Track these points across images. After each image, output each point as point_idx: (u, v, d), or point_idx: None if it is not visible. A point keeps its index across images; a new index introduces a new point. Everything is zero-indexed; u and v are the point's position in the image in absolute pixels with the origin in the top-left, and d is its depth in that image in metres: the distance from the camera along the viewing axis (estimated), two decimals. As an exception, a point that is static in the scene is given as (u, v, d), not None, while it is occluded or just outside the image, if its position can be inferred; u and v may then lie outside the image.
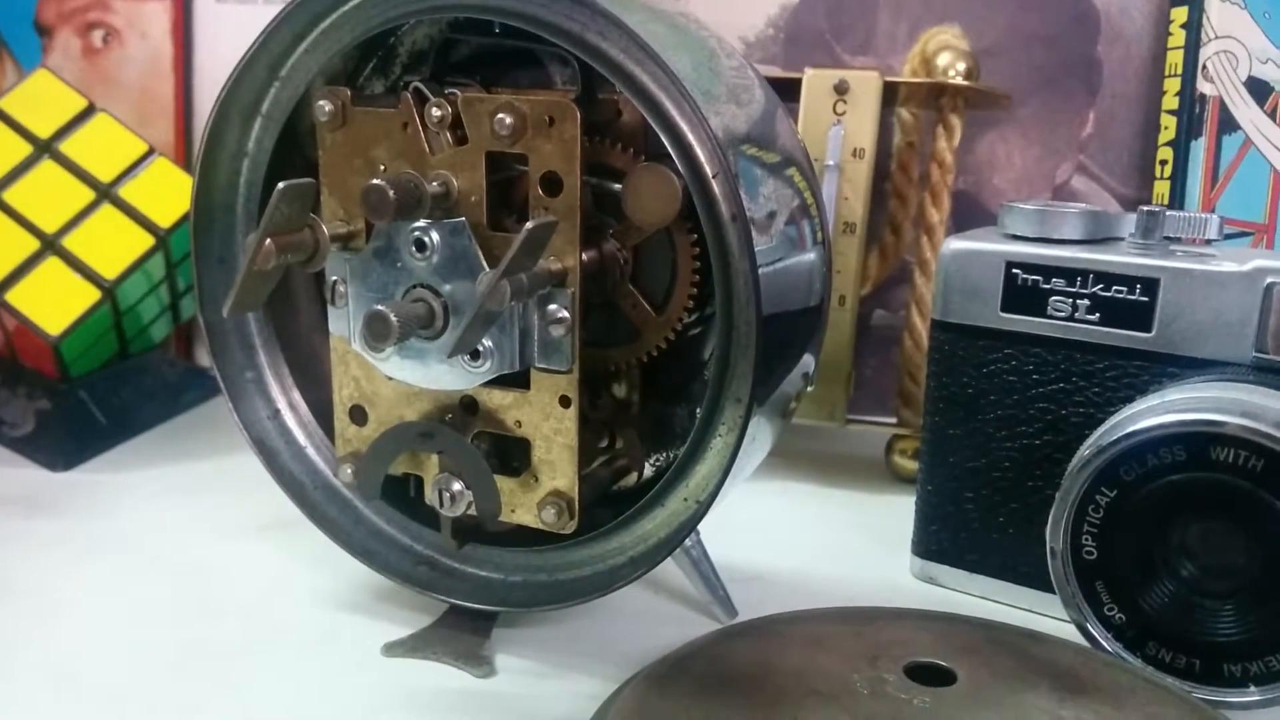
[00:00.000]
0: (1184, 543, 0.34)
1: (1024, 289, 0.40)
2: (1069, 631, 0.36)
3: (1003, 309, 0.40)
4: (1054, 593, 0.37)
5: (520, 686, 0.37)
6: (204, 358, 0.69)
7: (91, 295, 0.53)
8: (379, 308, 0.33)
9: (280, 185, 0.34)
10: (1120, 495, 0.34)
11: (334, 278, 0.37)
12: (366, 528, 0.42)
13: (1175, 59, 0.57)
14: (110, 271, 0.54)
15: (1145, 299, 0.38)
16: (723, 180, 0.32)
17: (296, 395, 0.42)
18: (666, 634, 0.38)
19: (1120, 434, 0.34)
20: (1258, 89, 0.57)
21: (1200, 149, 0.57)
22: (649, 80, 0.33)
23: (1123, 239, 0.40)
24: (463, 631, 0.39)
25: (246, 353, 0.42)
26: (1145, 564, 0.35)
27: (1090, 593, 0.35)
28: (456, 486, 0.36)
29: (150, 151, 0.56)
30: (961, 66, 0.53)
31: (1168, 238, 0.39)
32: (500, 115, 0.33)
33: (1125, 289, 0.38)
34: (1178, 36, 0.57)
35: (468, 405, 0.37)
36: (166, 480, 0.53)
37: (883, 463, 0.55)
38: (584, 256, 0.34)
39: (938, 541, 0.44)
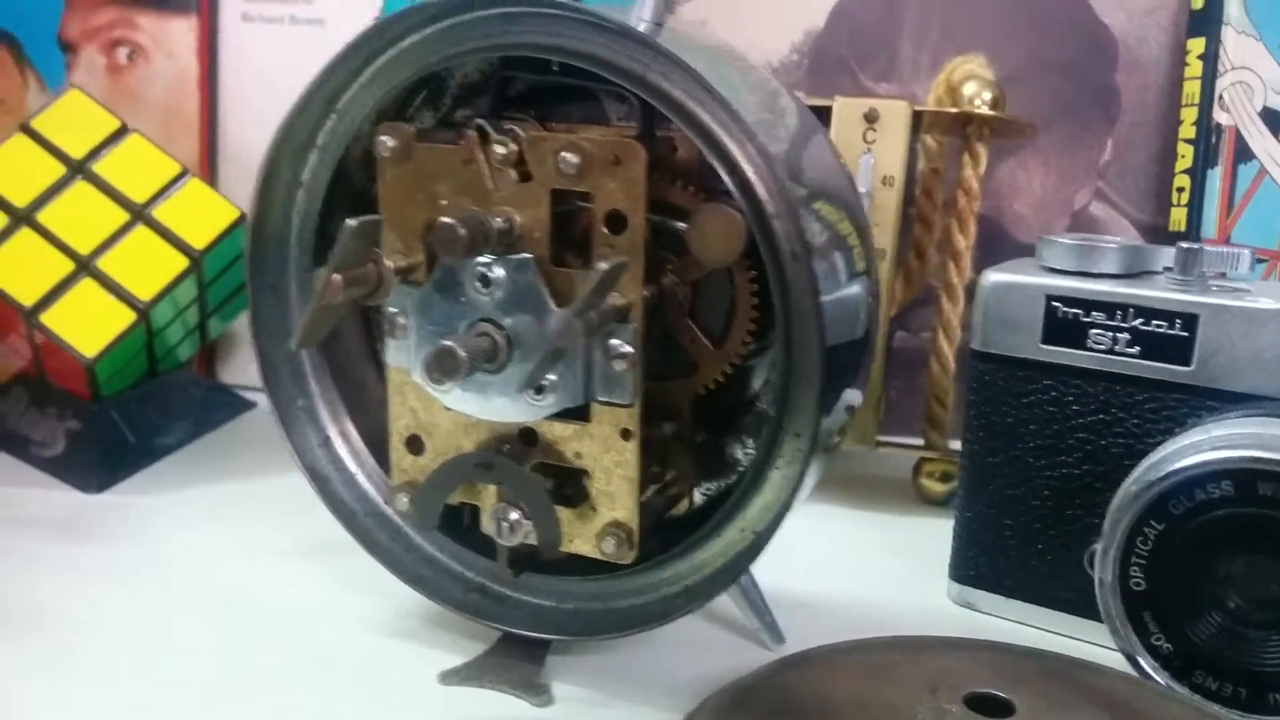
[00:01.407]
0: (1230, 574, 0.35)
1: (1064, 322, 0.41)
2: (1112, 658, 0.37)
3: (1043, 341, 0.41)
4: (1092, 618, 0.39)
5: (579, 715, 0.37)
6: (227, 375, 0.69)
7: (126, 317, 0.54)
8: (448, 343, 0.34)
9: (348, 223, 0.34)
10: (1169, 529, 0.35)
11: (393, 310, 0.38)
12: (418, 555, 0.42)
13: (1192, 89, 0.59)
14: (145, 293, 0.54)
15: (1185, 334, 0.39)
16: (786, 220, 0.33)
17: (348, 423, 0.43)
18: (718, 662, 0.39)
19: (1169, 469, 0.35)
20: (1272, 119, 0.58)
21: (1217, 177, 0.58)
22: (710, 120, 0.34)
23: (1158, 273, 0.41)
24: (517, 659, 0.39)
25: (297, 381, 0.43)
26: (1192, 595, 0.35)
27: (1138, 622, 0.36)
28: (514, 516, 0.37)
29: (183, 173, 0.57)
30: (988, 96, 0.54)
31: (1204, 274, 0.40)
32: (566, 154, 0.34)
33: (1165, 324, 0.39)
34: (1195, 67, 0.58)
35: (526, 436, 0.37)
36: (201, 503, 0.53)
37: (909, 485, 0.56)
38: (645, 292, 0.35)
39: (976, 567, 0.44)
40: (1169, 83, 0.60)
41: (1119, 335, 0.40)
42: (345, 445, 0.43)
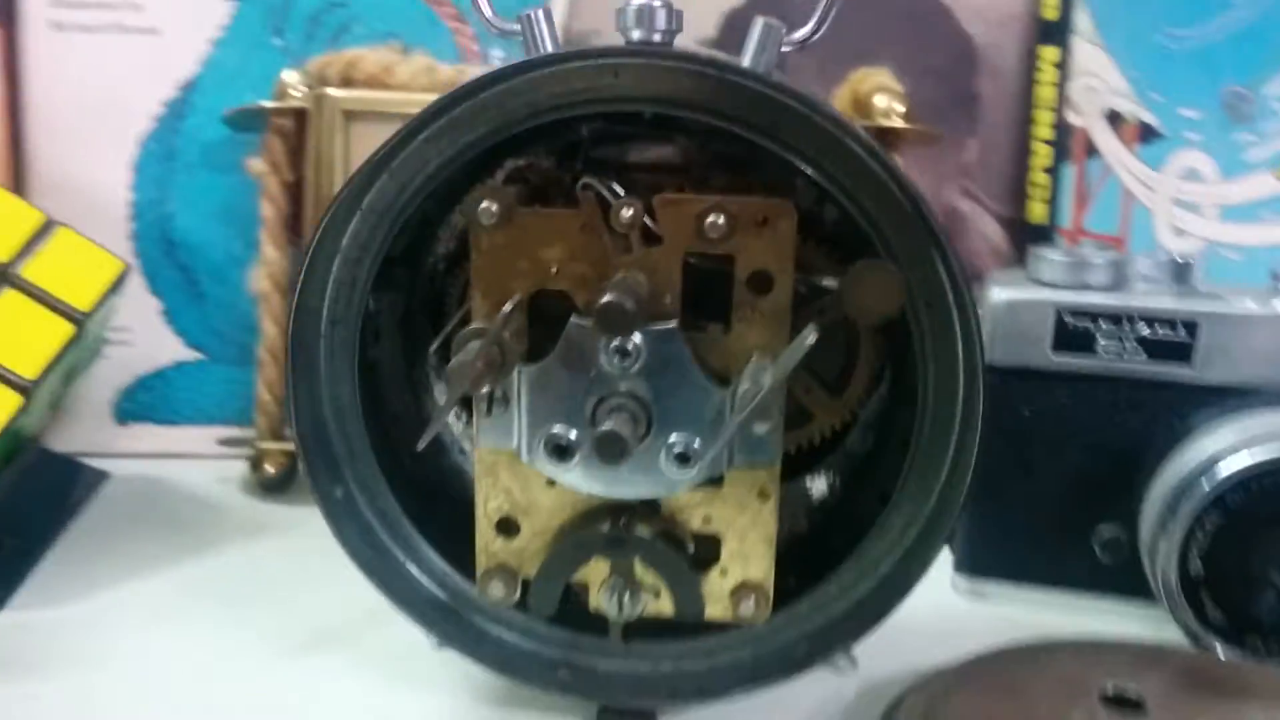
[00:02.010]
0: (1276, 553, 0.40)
1: (1073, 333, 0.44)
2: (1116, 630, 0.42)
3: (1053, 351, 0.44)
4: (1099, 595, 0.44)
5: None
6: (59, 443, 0.60)
7: (12, 402, 0.45)
8: (613, 428, 0.32)
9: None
10: (1226, 521, 0.39)
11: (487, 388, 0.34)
12: (490, 639, 0.39)
13: (1047, 93, 0.64)
14: (30, 371, 0.46)
15: (1187, 338, 0.43)
16: (957, 265, 0.33)
17: (390, 504, 0.39)
18: (814, 693, 0.39)
19: (1229, 470, 0.39)
20: (1114, 120, 0.65)
21: (1070, 173, 0.64)
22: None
23: (1148, 281, 0.45)
24: (631, 732, 0.38)
25: (332, 469, 0.38)
26: (1243, 574, 0.40)
27: (1195, 601, 0.40)
28: (631, 590, 0.35)
29: (49, 222, 0.48)
30: (900, 109, 0.56)
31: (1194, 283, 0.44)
32: (714, 218, 0.32)
33: (1169, 330, 0.43)
34: (1049, 73, 0.64)
35: (647, 506, 0.36)
36: (133, 602, 0.46)
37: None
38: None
39: (985, 559, 0.47)
40: (1023, 88, 0.65)
41: (1126, 342, 0.44)
42: (387, 530, 0.39)
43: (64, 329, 0.47)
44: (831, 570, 0.37)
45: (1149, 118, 0.66)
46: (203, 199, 0.59)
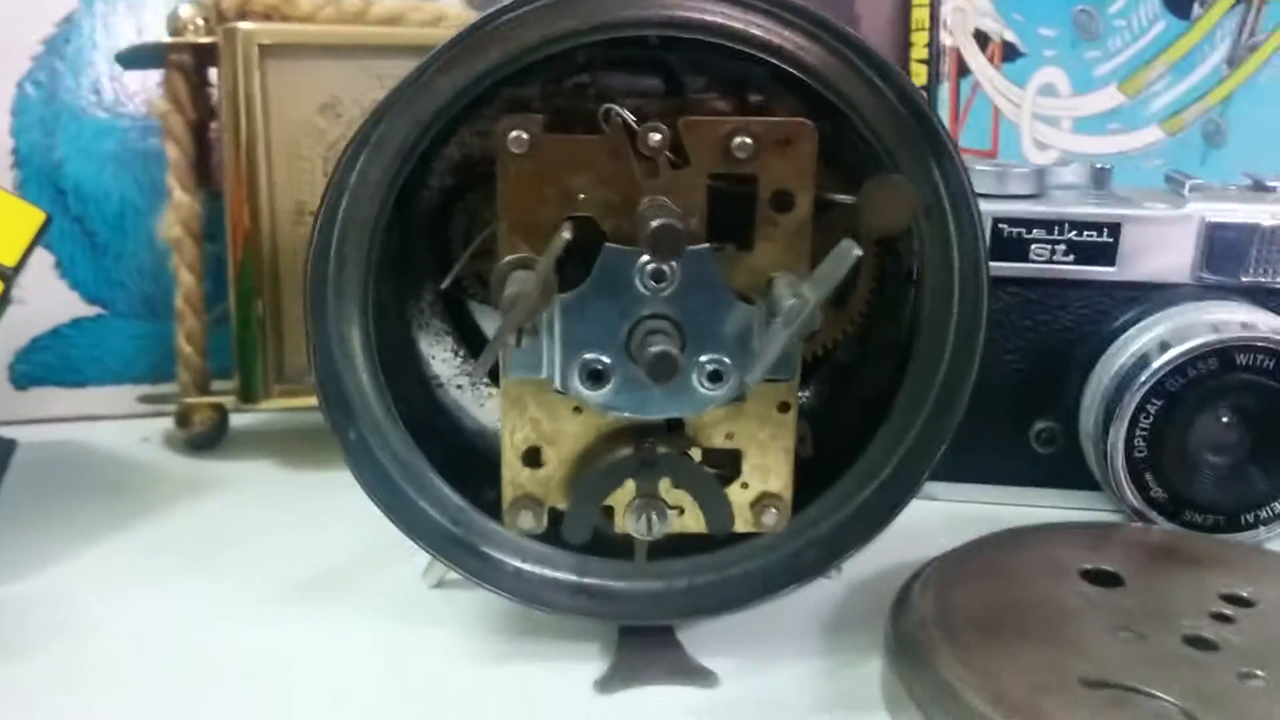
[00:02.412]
0: (1209, 431, 0.44)
1: (1010, 240, 0.47)
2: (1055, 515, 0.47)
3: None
4: (1037, 485, 0.48)
5: (749, 685, 0.38)
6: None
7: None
8: (665, 349, 0.32)
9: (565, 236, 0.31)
10: (1166, 404, 0.43)
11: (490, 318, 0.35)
12: (507, 570, 0.39)
13: (921, 15, 0.67)
14: (-42, 333, 0.43)
15: (1110, 240, 0.47)
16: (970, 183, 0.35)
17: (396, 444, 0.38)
18: (831, 590, 0.41)
19: (1168, 356, 0.43)
20: (981, 39, 0.68)
21: (945, 91, 0.68)
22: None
23: (1067, 189, 0.49)
24: (657, 648, 0.39)
25: (344, 409, 0.37)
26: (1181, 453, 0.44)
27: (1139, 481, 0.44)
28: (657, 510, 0.36)
29: (-45, 172, 0.45)
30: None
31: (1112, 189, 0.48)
32: (739, 139, 0.33)
33: (1095, 233, 0.47)
34: (922, -5, 0.67)
35: (671, 426, 0.37)
36: (98, 568, 0.44)
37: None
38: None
39: (930, 462, 0.50)
40: (899, 11, 0.68)
41: (1056, 247, 0.47)
42: (398, 468, 0.38)
43: (-13, 286, 0.44)
44: (827, 477, 0.39)
45: (1011, 36, 0.70)
46: (93, 143, 0.56)
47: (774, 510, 0.37)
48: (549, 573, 0.40)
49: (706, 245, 0.34)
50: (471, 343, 0.41)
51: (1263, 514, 0.44)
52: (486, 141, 0.38)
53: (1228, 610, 0.37)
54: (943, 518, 0.49)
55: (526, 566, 0.40)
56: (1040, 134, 0.72)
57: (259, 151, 0.50)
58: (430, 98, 0.34)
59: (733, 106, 0.37)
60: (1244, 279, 0.46)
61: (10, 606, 0.41)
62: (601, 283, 0.34)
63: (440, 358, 0.41)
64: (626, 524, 0.37)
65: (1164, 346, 0.44)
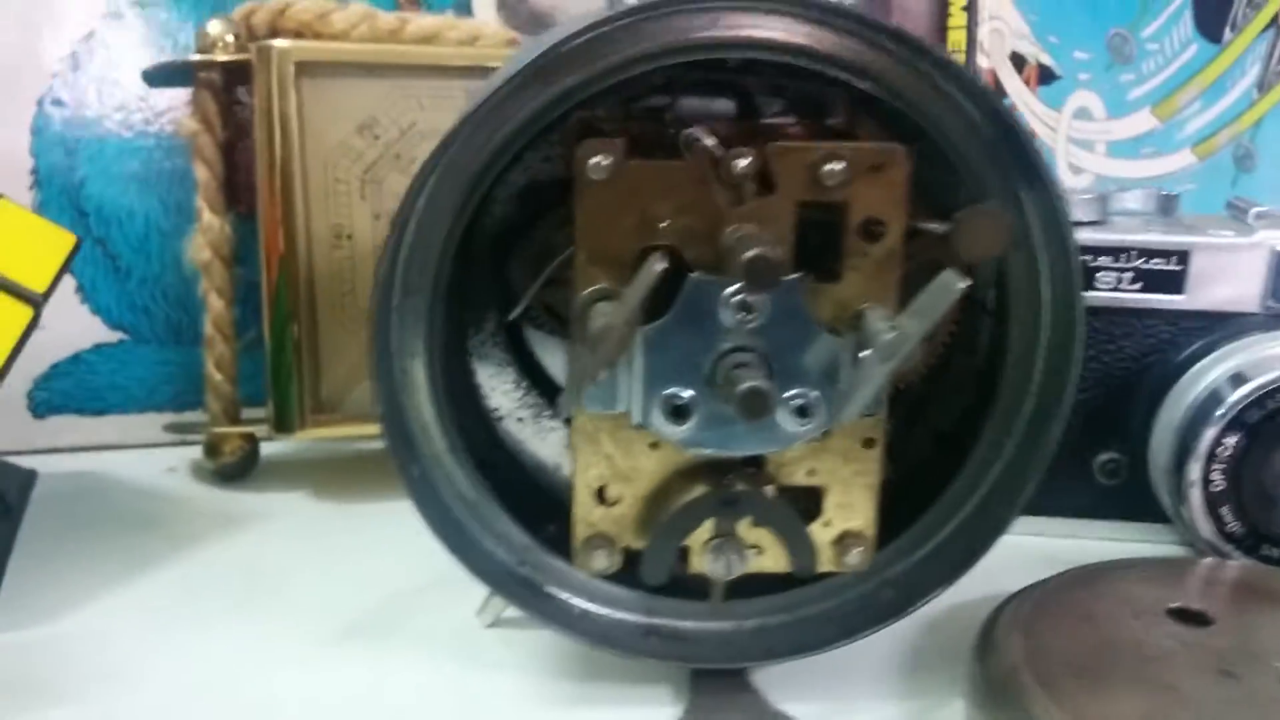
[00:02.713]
0: (1286, 466, 0.43)
1: (1076, 268, 0.46)
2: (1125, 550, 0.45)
3: (1058, 287, 0.46)
4: (1100, 519, 0.46)
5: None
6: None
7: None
8: (758, 384, 0.31)
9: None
10: (1244, 437, 0.42)
11: (571, 352, 0.33)
12: (574, 611, 0.38)
13: (958, 38, 0.66)
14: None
15: (1179, 267, 0.46)
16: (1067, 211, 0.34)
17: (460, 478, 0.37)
18: (906, 628, 0.40)
19: (1245, 389, 0.42)
20: (1018, 62, 0.67)
21: (982, 113, 0.67)
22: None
23: (1130, 215, 0.48)
24: (731, 691, 0.37)
25: (408, 446, 0.35)
26: (1258, 486, 0.43)
27: (1216, 515, 0.43)
28: (736, 550, 0.35)
29: (-11, 195, 0.43)
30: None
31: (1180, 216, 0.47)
32: (831, 165, 0.32)
33: (1163, 260, 0.46)
34: (958, 17, 0.66)
35: (750, 463, 0.35)
36: (131, 611, 0.42)
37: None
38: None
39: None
40: (934, 30, 0.67)
41: (1123, 274, 0.46)
42: (461, 505, 0.37)
43: (21, 314, 0.42)
44: (900, 513, 0.38)
45: (1047, 60, 0.69)
46: (116, 163, 0.54)
47: (858, 549, 0.36)
48: (617, 614, 0.38)
49: (795, 275, 0.32)
50: (534, 375, 0.39)
51: (1341, 549, 0.43)
52: (553, 166, 0.36)
53: (1321, 650, 0.36)
54: (1005, 551, 0.47)
55: (594, 607, 0.38)
56: (1075, 158, 0.71)
57: (294, 173, 0.49)
58: (502, 122, 0.32)
59: (809, 131, 0.36)
60: (1317, 307, 0.45)
61: (48, 649, 0.39)
62: (685, 314, 0.32)
63: (501, 390, 0.39)
64: (703, 564, 0.35)
65: (1238, 379, 0.43)
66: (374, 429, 0.50)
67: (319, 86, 0.49)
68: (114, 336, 0.55)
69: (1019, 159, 0.34)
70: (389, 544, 0.47)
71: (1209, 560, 0.43)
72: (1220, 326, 0.46)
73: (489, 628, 0.41)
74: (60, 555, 0.45)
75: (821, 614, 0.38)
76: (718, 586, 0.36)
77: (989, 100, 0.33)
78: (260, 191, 0.49)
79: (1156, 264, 0.46)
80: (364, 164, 0.50)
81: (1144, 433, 0.46)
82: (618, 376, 0.33)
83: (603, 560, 0.35)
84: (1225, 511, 0.43)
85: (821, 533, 0.36)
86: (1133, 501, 0.47)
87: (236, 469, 0.52)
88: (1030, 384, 0.36)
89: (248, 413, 0.53)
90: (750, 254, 0.30)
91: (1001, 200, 0.34)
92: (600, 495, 0.35)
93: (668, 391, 0.33)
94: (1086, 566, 0.42)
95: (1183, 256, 0.45)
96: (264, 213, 0.49)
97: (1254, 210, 0.46)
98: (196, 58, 0.51)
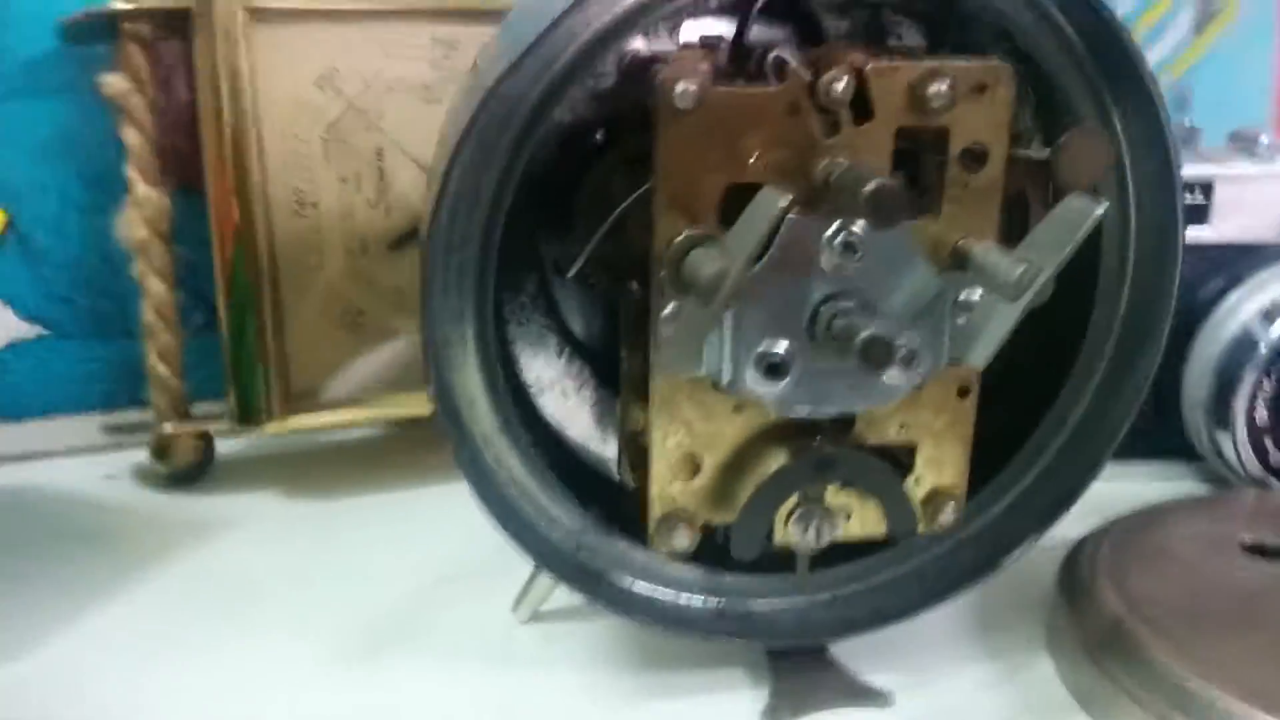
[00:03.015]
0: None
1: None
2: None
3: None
4: (1130, 459, 0.45)
5: (932, 700, 0.34)
6: None
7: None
8: (878, 332, 0.28)
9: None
10: (1283, 370, 0.41)
11: (671, 306, 0.29)
12: (640, 597, 0.34)
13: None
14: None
15: (1204, 200, 0.44)
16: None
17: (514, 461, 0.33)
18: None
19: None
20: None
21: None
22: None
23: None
24: (814, 669, 0.34)
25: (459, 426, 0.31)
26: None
27: (1259, 447, 0.42)
28: (826, 517, 0.32)
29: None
30: None
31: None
32: (936, 85, 0.29)
33: (1188, 193, 0.44)
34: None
35: (840, 422, 0.32)
36: (115, 636, 0.36)
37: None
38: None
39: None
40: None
41: (1151, 208, 0.44)
42: (516, 489, 0.33)
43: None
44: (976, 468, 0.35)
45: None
46: (25, 130, 0.47)
47: (950, 506, 0.33)
48: (684, 596, 0.35)
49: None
50: (574, 342, 0.35)
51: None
52: (600, 105, 0.32)
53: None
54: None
55: (659, 591, 0.34)
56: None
57: (248, 134, 0.43)
58: (562, 47, 0.28)
59: (871, 54, 0.32)
60: (1332, 235, 0.44)
61: (13, 692, 0.33)
62: (781, 260, 0.29)
63: (543, 359, 0.35)
64: (790, 535, 0.32)
65: (1273, 314, 0.42)
66: (362, 414, 0.46)
67: (272, 35, 0.43)
68: (31, 331, 0.48)
69: (1119, 73, 0.31)
70: (384, 542, 0.42)
71: (1257, 492, 0.42)
72: (1244, 259, 0.45)
73: (526, 623, 0.37)
74: (9, 581, 0.39)
75: (898, 580, 0.36)
76: (804, 558, 0.33)
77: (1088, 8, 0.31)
78: (207, 157, 0.44)
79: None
80: (325, 121, 0.44)
81: (1173, 372, 0.45)
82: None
83: (683, 539, 0.32)
84: (1269, 443, 0.42)
85: (911, 491, 0.33)
86: (1158, 441, 0.46)
87: (190, 471, 0.46)
88: (1113, 324, 0.34)
89: (197, 408, 0.47)
90: (874, 185, 0.26)
91: (1097, 120, 0.32)
92: (679, 467, 0.31)
93: (762, 347, 0.29)
94: (1145, 510, 0.40)
95: (1207, 189, 0.44)
96: (213, 181, 0.44)
97: (1263, 139, 0.46)
98: (122, 6, 0.44)
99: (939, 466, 0.33)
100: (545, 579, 0.36)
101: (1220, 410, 0.42)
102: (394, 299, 0.46)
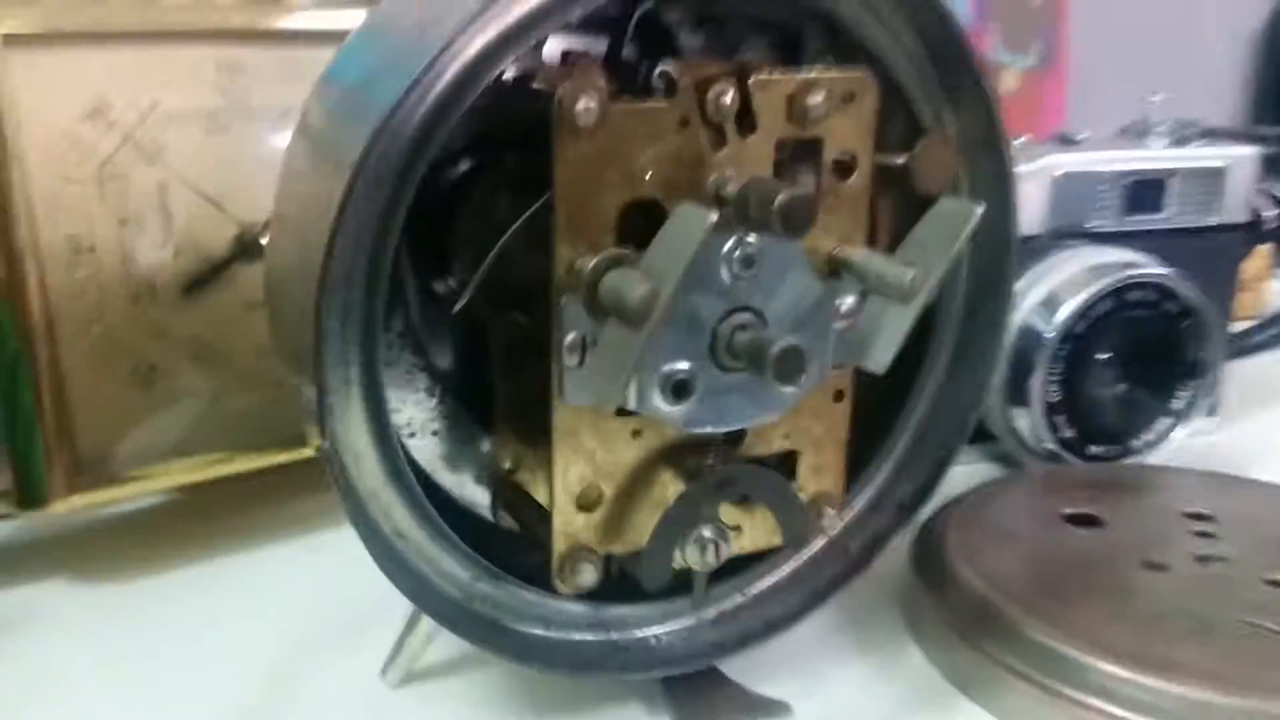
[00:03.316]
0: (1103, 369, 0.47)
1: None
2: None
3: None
4: None
5: (828, 705, 0.34)
6: None
7: None
8: (793, 342, 0.28)
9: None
10: (1074, 347, 0.45)
11: (574, 333, 0.28)
12: (536, 639, 0.32)
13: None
14: None
15: (977, 199, 0.48)
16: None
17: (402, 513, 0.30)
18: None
19: (1075, 302, 0.45)
20: None
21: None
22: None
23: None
24: (710, 689, 0.34)
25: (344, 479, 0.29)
26: (1085, 395, 0.46)
27: (1053, 425, 0.46)
28: (722, 535, 0.32)
29: None
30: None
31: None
32: (812, 97, 0.29)
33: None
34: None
35: (732, 438, 0.32)
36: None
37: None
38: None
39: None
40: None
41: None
42: (404, 542, 0.30)
43: None
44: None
45: None
46: None
47: (830, 511, 0.34)
48: (576, 634, 0.33)
49: (786, 221, 0.30)
50: (436, 377, 0.33)
51: (1149, 436, 0.47)
52: (474, 127, 0.30)
53: (1201, 527, 0.39)
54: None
55: (551, 633, 0.33)
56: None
57: (10, 175, 0.38)
58: (441, 68, 0.26)
59: (729, 68, 0.33)
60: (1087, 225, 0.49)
61: None
62: (688, 277, 0.28)
63: (413, 400, 0.33)
64: (689, 557, 0.31)
65: (1052, 302, 0.45)
66: (164, 481, 0.41)
67: (31, 62, 0.38)
68: None
69: (958, 75, 0.33)
70: (212, 618, 0.38)
71: (1054, 468, 0.46)
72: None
73: (398, 687, 0.35)
74: None
75: (778, 587, 0.36)
76: (701, 579, 0.32)
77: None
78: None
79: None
80: (98, 158, 0.40)
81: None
82: (602, 360, 0.28)
83: (589, 575, 0.31)
84: (1060, 420, 0.46)
85: (794, 500, 0.34)
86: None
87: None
88: (957, 313, 0.36)
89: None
90: (785, 197, 0.27)
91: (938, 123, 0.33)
92: (582, 500, 0.30)
93: (667, 367, 0.29)
94: (972, 492, 0.43)
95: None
96: (-33, 229, 0.38)
97: (1023, 139, 0.50)
98: None
99: (819, 472, 0.34)
100: (416, 636, 0.34)
101: (1016, 392, 0.46)
102: (190, 350, 0.42)
